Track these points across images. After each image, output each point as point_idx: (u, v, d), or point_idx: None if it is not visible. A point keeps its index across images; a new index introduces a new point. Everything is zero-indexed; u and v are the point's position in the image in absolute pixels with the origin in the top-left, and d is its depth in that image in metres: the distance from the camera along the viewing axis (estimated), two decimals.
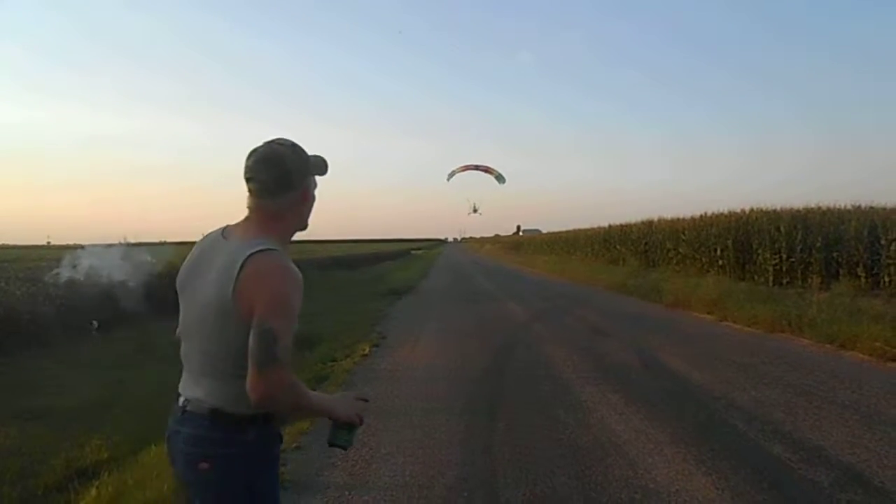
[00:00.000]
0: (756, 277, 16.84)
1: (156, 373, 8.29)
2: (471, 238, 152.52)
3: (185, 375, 1.76)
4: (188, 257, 1.80)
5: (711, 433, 4.52)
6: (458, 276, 27.51)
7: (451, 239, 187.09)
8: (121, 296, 11.15)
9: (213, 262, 1.69)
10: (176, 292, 1.79)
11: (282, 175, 1.74)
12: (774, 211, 18.10)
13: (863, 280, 13.78)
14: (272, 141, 1.79)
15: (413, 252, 60.60)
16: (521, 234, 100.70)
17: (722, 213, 20.41)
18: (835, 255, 14.96)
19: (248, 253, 1.62)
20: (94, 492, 4.27)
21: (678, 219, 23.54)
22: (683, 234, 21.66)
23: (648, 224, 26.32)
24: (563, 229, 45.38)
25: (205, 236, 1.83)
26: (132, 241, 16.86)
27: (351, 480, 3.89)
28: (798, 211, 17.24)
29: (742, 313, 10.10)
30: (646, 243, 25.43)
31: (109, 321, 10.60)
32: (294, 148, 1.79)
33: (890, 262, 13.31)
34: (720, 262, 18.92)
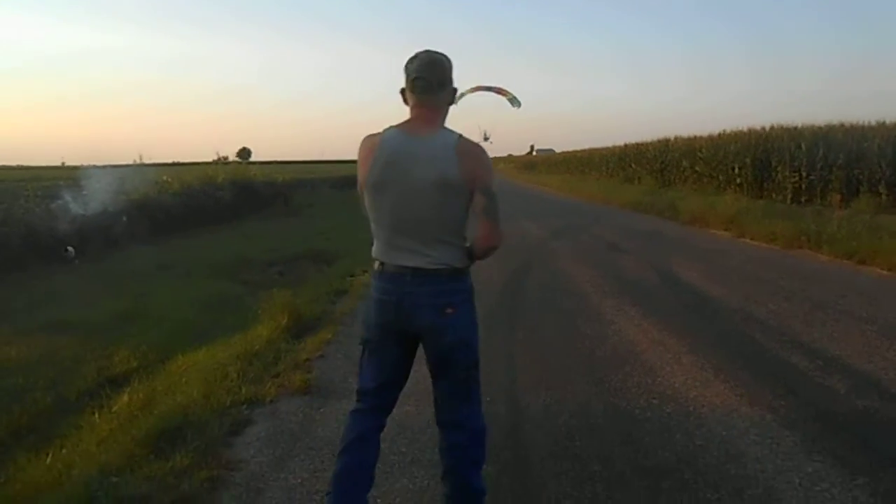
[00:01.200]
0: (774, 195, 16.63)
1: (174, 289, 8.48)
2: None
3: (396, 251, 2.13)
4: (375, 158, 2.11)
5: (729, 343, 4.57)
6: None
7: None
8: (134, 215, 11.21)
9: (417, 154, 2.08)
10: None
11: (443, 74, 2.16)
12: (795, 128, 17.63)
13: (883, 197, 13.54)
14: (428, 50, 2.17)
15: None
16: (534, 153, 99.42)
17: (741, 131, 19.98)
18: (856, 172, 14.67)
19: (454, 139, 2.11)
20: (125, 398, 4.42)
21: (695, 137, 23.12)
22: (700, 152, 21.28)
23: (665, 142, 25.86)
24: (578, 149, 44.87)
25: (377, 139, 2.14)
26: (146, 161, 16.85)
27: None
28: (820, 128, 16.79)
29: (760, 230, 10.03)
30: (662, 162, 25.05)
31: (125, 238, 10.68)
32: (445, 55, 2.19)
33: None
34: (738, 181, 18.64)
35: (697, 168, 21.40)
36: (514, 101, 13.56)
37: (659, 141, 26.77)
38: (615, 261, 8.45)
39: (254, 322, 6.12)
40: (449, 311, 2.15)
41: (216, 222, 13.40)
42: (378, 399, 2.32)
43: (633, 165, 28.52)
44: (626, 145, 31.13)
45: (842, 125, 16.45)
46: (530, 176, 45.47)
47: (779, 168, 16.90)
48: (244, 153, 69.94)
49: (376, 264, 2.22)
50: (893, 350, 4.30)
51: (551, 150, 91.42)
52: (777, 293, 6.11)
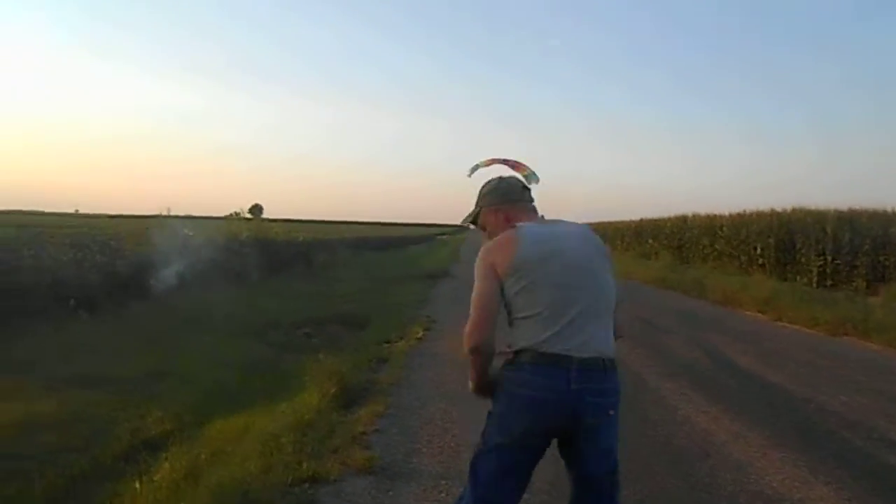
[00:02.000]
0: (798, 278, 16.43)
1: (202, 346, 8.24)
2: None
3: (562, 328, 1.87)
4: (530, 234, 2.01)
5: (814, 438, 4.28)
6: None
7: (473, 226, 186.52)
8: (165, 266, 11.07)
9: (566, 231, 2.09)
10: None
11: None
12: (819, 211, 17.58)
13: None
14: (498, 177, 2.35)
15: (439, 237, 60.39)
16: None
17: (762, 211, 19.92)
18: (881, 258, 14.55)
19: (582, 224, 2.24)
20: (166, 465, 4.15)
21: (715, 215, 23.09)
22: (721, 230, 21.22)
23: (682, 219, 25.88)
24: (589, 222, 45.01)
25: (509, 233, 2.04)
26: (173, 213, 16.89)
27: (442, 469, 3.71)
28: (843, 212, 16.74)
29: (799, 314, 9.78)
30: (680, 238, 25.00)
31: (156, 290, 10.50)
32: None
33: None
34: (760, 261, 18.46)
35: (718, 246, 21.30)
36: (531, 177, 13.38)
37: (676, 217, 26.79)
38: (658, 340, 8.18)
39: (289, 387, 5.92)
40: (611, 412, 1.94)
41: (239, 279, 13.24)
42: None
43: (650, 241, 28.47)
44: (642, 220, 31.21)
45: (866, 210, 16.41)
46: None
47: (803, 250, 16.76)
48: (256, 209, 70.34)
49: (525, 354, 1.90)
50: None
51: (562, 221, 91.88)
52: (843, 384, 5.84)
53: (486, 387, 2.06)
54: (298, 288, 13.51)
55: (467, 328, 1.97)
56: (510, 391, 1.93)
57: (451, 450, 4.03)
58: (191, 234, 14.04)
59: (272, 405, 5.32)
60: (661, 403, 5.11)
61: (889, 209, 15.79)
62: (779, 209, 19.15)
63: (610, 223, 37.60)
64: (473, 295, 1.99)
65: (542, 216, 2.20)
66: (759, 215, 19.80)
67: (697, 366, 6.58)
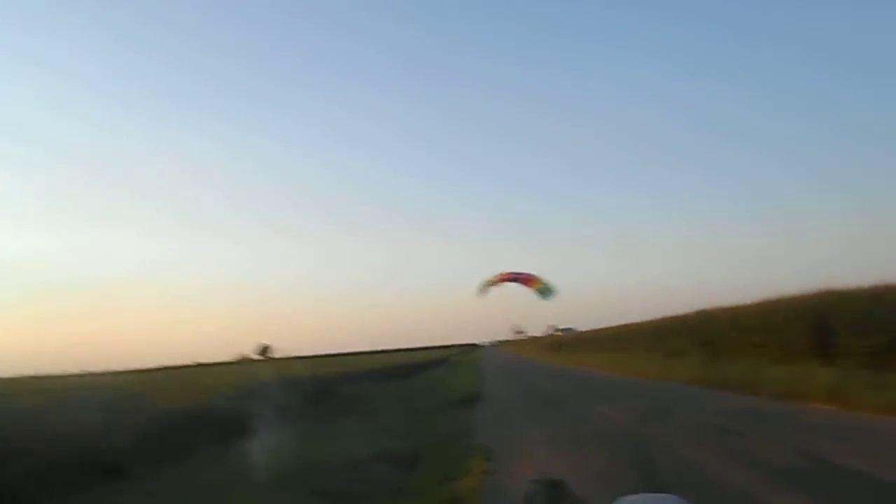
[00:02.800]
0: (841, 362, 15.77)
1: (252, 502, 7.58)
2: (506, 341, 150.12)
3: None
4: None
5: None
6: (517, 380, 26.42)
7: (484, 343, 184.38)
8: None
9: None
10: None
11: None
12: (849, 290, 17.20)
13: None
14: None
15: (452, 358, 59.39)
16: (556, 332, 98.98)
17: (787, 297, 19.59)
18: None
19: None
20: None
21: (739, 305, 22.72)
22: (749, 320, 20.73)
23: (703, 313, 25.45)
24: (600, 326, 44.47)
25: None
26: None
27: None
28: (872, 289, 16.37)
29: (876, 402, 9.14)
30: (706, 333, 24.42)
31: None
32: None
33: None
34: (796, 349, 17.84)
35: (749, 338, 20.71)
36: (544, 293, 13.11)
37: (697, 312, 26.37)
38: (744, 447, 7.53)
39: None
40: None
41: (268, 426, 12.60)
42: None
43: (674, 339, 27.84)
44: (662, 318, 30.73)
45: (887, 286, 16.07)
46: (564, 356, 44.44)
47: (842, 333, 16.22)
48: (265, 350, 69.56)
49: None
50: None
51: (572, 329, 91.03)
52: None
53: None
54: (332, 428, 12.82)
55: None
56: None
57: None
58: (212, 385, 13.54)
59: None
60: None
61: None
62: (805, 292, 18.81)
63: (628, 325, 37.09)
64: None
65: None
66: (786, 301, 19.42)
67: (807, 475, 5.94)
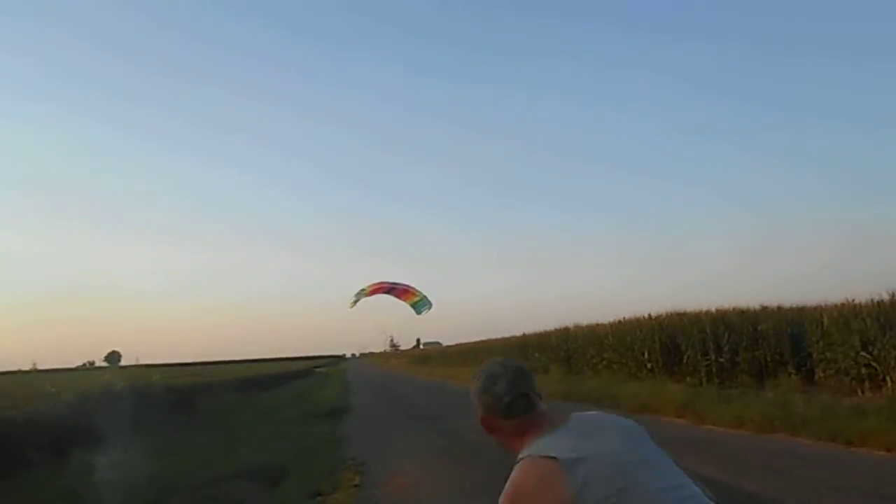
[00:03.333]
0: (688, 378, 16.97)
1: None
2: (370, 353, 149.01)
3: None
4: (584, 477, 1.43)
5: None
6: (385, 393, 26.17)
7: (349, 354, 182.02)
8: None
9: (600, 427, 1.64)
10: None
11: (534, 381, 1.75)
12: (695, 313, 18.56)
13: (792, 377, 14.07)
14: (500, 362, 1.78)
15: (317, 370, 57.96)
16: (421, 346, 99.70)
17: (641, 318, 20.82)
18: (757, 353, 15.47)
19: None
20: None
21: (598, 324, 23.89)
22: (607, 339, 21.84)
23: (565, 331, 26.55)
24: (468, 341, 45.35)
25: (544, 464, 1.49)
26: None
27: None
28: (717, 312, 17.76)
29: (722, 415, 9.86)
30: (566, 350, 25.47)
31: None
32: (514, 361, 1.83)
33: (819, 359, 13.64)
34: (648, 366, 19.02)
35: (605, 355, 21.80)
36: (421, 305, 12.94)
37: (559, 329, 27.45)
38: None
39: None
40: None
41: (117, 437, 11.57)
42: None
43: (536, 354, 28.81)
44: (525, 335, 31.77)
45: (734, 309, 17.55)
46: (430, 370, 44.74)
47: (689, 352, 17.46)
48: (113, 357, 64.57)
49: None
50: None
51: (438, 343, 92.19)
52: (817, 485, 5.71)
53: None
54: (191, 441, 11.97)
55: None
56: None
57: None
58: (55, 391, 12.29)
59: None
60: None
61: (753, 306, 17.06)
62: (657, 314, 20.10)
63: (492, 340, 38.02)
64: None
65: (555, 418, 1.69)
66: (640, 321, 20.64)
67: None
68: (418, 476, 7.53)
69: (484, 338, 42.57)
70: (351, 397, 21.61)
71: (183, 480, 8.96)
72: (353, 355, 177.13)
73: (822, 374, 13.53)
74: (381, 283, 14.21)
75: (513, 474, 1.57)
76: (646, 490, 1.43)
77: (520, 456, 1.60)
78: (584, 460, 1.46)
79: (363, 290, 14.19)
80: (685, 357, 17.55)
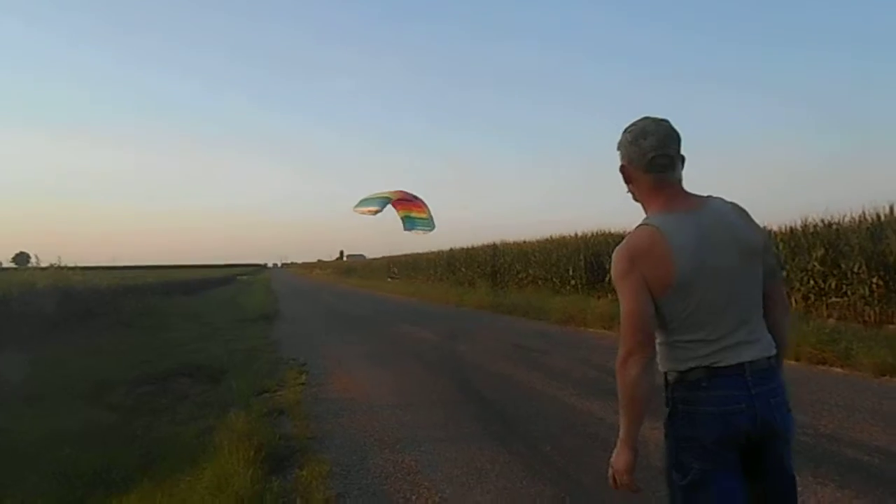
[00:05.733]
0: (609, 295, 17.78)
1: (30, 418, 6.71)
2: (292, 263, 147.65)
3: (725, 344, 1.75)
4: (682, 240, 1.74)
5: None
6: (311, 300, 26.24)
7: (271, 264, 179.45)
8: None
9: (716, 222, 1.80)
10: None
11: (680, 145, 1.88)
12: (620, 233, 19.24)
13: None
14: (656, 120, 1.88)
15: (239, 278, 57.09)
16: (345, 258, 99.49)
17: (569, 236, 21.44)
18: None
19: (727, 203, 1.88)
20: None
21: (525, 241, 24.45)
22: (534, 255, 22.42)
23: (493, 247, 27.02)
24: (394, 254, 45.47)
25: (655, 233, 1.77)
26: None
27: None
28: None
29: None
30: (493, 266, 26.03)
31: None
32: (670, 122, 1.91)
33: None
34: (572, 282, 19.72)
35: (531, 271, 22.42)
36: (425, 224, 12.26)
37: (487, 245, 27.90)
38: (543, 361, 8.25)
39: (171, 457, 4.97)
40: (790, 407, 1.85)
41: (39, 337, 11.22)
42: None
43: (463, 269, 29.31)
44: (452, 249, 32.12)
45: None
46: (356, 281, 44.92)
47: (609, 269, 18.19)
48: (21, 258, 61.27)
49: (693, 372, 1.76)
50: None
51: (362, 256, 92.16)
52: None
53: (635, 448, 1.79)
54: (120, 341, 11.73)
55: (624, 355, 1.74)
56: (693, 411, 1.77)
57: (438, 503, 3.54)
58: None
59: (172, 482, 4.37)
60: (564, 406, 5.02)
61: None
62: (583, 233, 20.75)
63: (421, 254, 38.33)
64: (623, 313, 1.77)
65: (687, 196, 1.88)
66: (566, 240, 21.25)
67: (597, 382, 6.65)
68: (361, 376, 7.72)
69: (412, 252, 42.84)
70: (279, 304, 21.54)
71: (119, 378, 8.86)
72: (276, 265, 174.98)
73: None
74: (404, 193, 12.98)
75: (632, 233, 1.85)
76: (718, 296, 1.76)
77: (644, 220, 1.86)
78: (695, 248, 1.75)
79: (386, 196, 12.70)
80: (608, 275, 18.26)
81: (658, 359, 1.83)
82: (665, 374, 1.84)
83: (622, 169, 1.92)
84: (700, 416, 1.75)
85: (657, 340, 1.81)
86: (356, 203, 11.79)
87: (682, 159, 1.88)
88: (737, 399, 1.73)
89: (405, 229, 11.92)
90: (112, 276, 19.61)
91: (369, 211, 11.93)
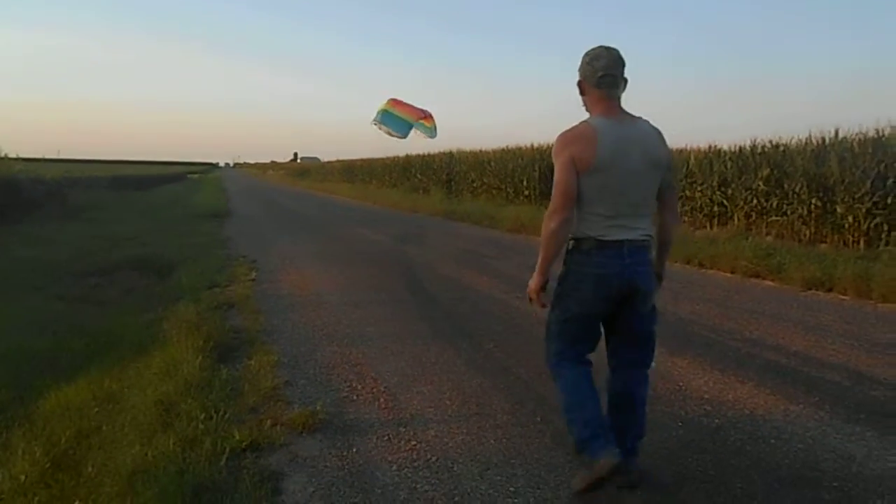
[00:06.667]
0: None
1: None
2: (244, 164, 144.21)
3: (614, 224, 2.36)
4: (599, 144, 2.31)
5: (683, 336, 4.72)
6: (264, 200, 25.84)
7: (223, 164, 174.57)
8: None
9: (633, 139, 2.38)
10: None
11: (623, 69, 2.43)
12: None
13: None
14: (607, 48, 2.43)
15: (189, 176, 55.63)
16: (299, 161, 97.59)
17: (525, 147, 21.37)
18: None
19: (651, 125, 2.48)
20: (21, 458, 3.22)
21: (481, 151, 24.27)
22: (489, 164, 22.35)
23: (449, 155, 26.78)
24: (351, 158, 44.72)
25: (590, 128, 2.36)
26: None
27: (389, 415, 3.41)
28: None
29: None
30: (448, 173, 25.91)
31: None
32: (619, 52, 2.46)
33: (681, 196, 14.87)
34: (526, 193, 19.84)
35: (486, 180, 22.42)
36: (431, 131, 11.89)
37: (443, 153, 27.64)
38: (490, 265, 8.44)
39: (119, 346, 5.02)
40: (654, 277, 2.55)
41: None
42: (587, 357, 2.58)
43: (418, 176, 29.12)
44: (408, 155, 31.77)
45: None
46: (310, 183, 44.16)
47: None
48: None
49: (586, 241, 2.38)
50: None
51: (316, 159, 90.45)
52: (674, 296, 6.51)
53: (547, 272, 2.48)
54: (66, 233, 11.46)
55: (550, 211, 2.37)
56: (578, 271, 2.43)
57: (383, 393, 3.71)
58: None
59: (121, 368, 4.43)
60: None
61: None
62: (539, 144, 20.70)
63: (375, 159, 37.81)
64: (556, 181, 2.38)
65: (622, 111, 2.45)
66: (522, 150, 21.18)
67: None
68: (311, 274, 7.79)
69: (368, 157, 42.19)
70: (230, 203, 21.24)
71: (65, 269, 8.74)
72: (227, 164, 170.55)
73: (679, 209, 14.81)
74: (416, 107, 12.34)
75: (573, 126, 2.41)
76: (619, 186, 2.34)
77: (585, 119, 2.43)
78: (614, 146, 2.32)
79: (404, 120, 11.95)
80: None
81: None
82: (569, 238, 2.43)
83: (579, 83, 2.48)
84: (585, 275, 2.40)
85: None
86: (376, 117, 11.12)
87: (625, 81, 2.43)
88: (613, 265, 2.37)
89: (401, 134, 11.31)
90: (57, 169, 18.95)
91: (393, 135, 11.38)
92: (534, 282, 2.50)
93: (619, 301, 2.42)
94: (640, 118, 2.46)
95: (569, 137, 2.37)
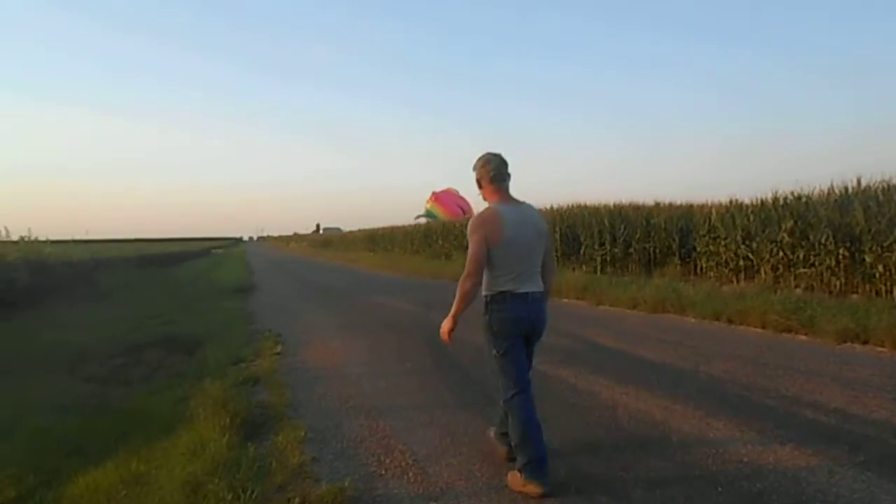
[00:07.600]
0: (584, 267, 17.98)
1: (3, 391, 6.67)
2: (268, 237, 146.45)
3: (520, 281, 3.23)
4: (504, 223, 3.18)
5: (717, 395, 4.59)
6: (289, 273, 26.03)
7: (247, 237, 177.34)
8: None
9: (527, 218, 3.30)
10: None
11: (508, 168, 3.35)
12: (595, 206, 19.40)
13: (678, 267, 15.19)
14: (494, 153, 3.36)
15: (214, 251, 56.50)
16: (321, 232, 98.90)
17: (545, 209, 21.50)
18: (647, 246, 16.52)
19: (534, 207, 3.43)
20: None
21: None
22: None
23: (468, 220, 26.99)
24: (370, 227, 45.30)
25: (496, 212, 3.23)
26: None
27: (420, 489, 3.32)
28: (612, 207, 18.67)
29: (618, 297, 10.65)
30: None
31: None
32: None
33: (703, 251, 14.74)
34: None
35: None
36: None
37: (464, 218, 27.92)
38: None
39: (148, 426, 5.01)
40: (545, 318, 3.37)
41: (10, 310, 11.10)
42: (528, 382, 3.32)
43: (440, 241, 29.32)
44: (429, 222, 32.10)
45: (631, 204, 18.52)
46: (333, 254, 44.70)
47: (587, 242, 18.36)
48: None
49: (504, 293, 3.21)
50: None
51: (338, 229, 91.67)
52: (701, 354, 6.38)
53: (458, 319, 3.31)
54: (95, 314, 11.64)
55: (465, 275, 3.17)
56: (500, 316, 3.23)
57: (411, 466, 3.63)
58: None
59: (148, 449, 4.41)
60: (576, 391, 5.14)
61: (648, 202, 18.13)
62: (559, 206, 20.83)
63: (396, 227, 38.25)
64: (470, 253, 3.18)
65: (511, 198, 3.33)
66: (543, 213, 21.27)
67: (572, 352, 6.78)
68: (337, 345, 7.77)
69: (385, 226, 42.68)
70: (254, 276, 21.46)
71: (94, 350, 8.81)
72: (251, 238, 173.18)
73: (704, 265, 14.64)
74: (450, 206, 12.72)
75: (483, 209, 3.30)
76: (521, 254, 3.22)
77: (488, 206, 3.30)
78: (515, 226, 3.19)
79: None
80: (584, 247, 18.43)
81: (483, 284, 3.26)
82: (486, 294, 3.27)
83: (477, 181, 3.35)
84: (505, 318, 3.21)
85: (485, 274, 3.24)
86: (422, 214, 11.54)
87: (509, 175, 3.31)
88: (523, 310, 3.22)
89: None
90: (85, 250, 19.37)
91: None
92: (447, 324, 3.33)
93: (527, 335, 3.30)
94: (524, 202, 3.34)
95: (481, 220, 3.23)
